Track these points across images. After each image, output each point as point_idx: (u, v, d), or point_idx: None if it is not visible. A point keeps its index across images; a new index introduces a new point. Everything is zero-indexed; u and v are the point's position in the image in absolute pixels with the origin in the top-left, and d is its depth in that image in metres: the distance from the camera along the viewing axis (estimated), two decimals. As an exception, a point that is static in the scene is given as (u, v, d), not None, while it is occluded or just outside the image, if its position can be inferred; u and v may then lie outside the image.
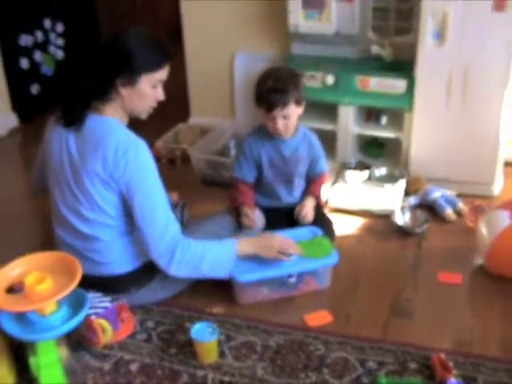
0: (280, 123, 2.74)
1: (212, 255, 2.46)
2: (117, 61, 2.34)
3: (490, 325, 2.48)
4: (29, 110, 4.83)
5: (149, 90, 2.41)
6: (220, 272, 2.50)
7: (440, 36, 3.15)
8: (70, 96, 2.42)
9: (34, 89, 4.90)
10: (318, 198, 3.02)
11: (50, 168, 2.51)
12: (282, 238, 2.62)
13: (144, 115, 2.51)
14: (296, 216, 2.90)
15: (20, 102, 4.81)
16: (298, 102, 2.74)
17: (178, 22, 4.24)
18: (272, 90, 2.69)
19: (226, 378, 2.23)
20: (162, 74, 2.43)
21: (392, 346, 2.34)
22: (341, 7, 3.56)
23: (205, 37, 4.14)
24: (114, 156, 2.31)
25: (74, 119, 2.39)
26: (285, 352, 2.34)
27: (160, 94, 2.47)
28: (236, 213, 2.84)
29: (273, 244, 2.58)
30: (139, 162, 2.34)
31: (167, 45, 2.47)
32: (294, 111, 2.75)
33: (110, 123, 2.40)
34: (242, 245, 2.54)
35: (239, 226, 2.82)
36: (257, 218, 2.85)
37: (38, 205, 3.55)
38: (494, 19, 3.05)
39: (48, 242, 2.84)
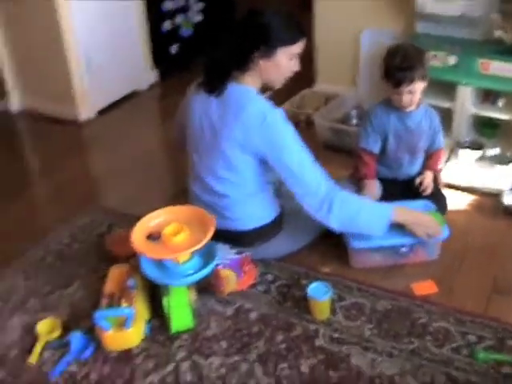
0: (406, 98, 2.74)
1: (368, 212, 2.49)
2: (256, 35, 2.37)
3: None
4: (167, 68, 5.00)
5: (285, 61, 2.43)
6: (374, 230, 2.52)
7: None
8: (211, 66, 2.48)
9: (173, 49, 5.06)
10: (436, 171, 3.00)
11: (190, 130, 2.59)
12: (435, 221, 2.61)
13: (279, 85, 2.54)
14: (416, 186, 2.90)
15: (160, 60, 4.97)
16: (422, 78, 2.72)
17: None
18: (399, 67, 2.68)
19: (336, 335, 2.30)
20: (298, 47, 2.44)
21: (492, 323, 2.32)
22: (468, -10, 3.44)
23: (335, 11, 4.10)
24: (254, 123, 2.37)
25: (215, 87, 2.45)
26: (391, 317, 2.37)
27: (296, 65, 2.49)
28: (358, 183, 2.86)
29: (427, 225, 2.58)
30: (279, 128, 2.39)
31: (300, 21, 2.48)
32: (420, 86, 2.74)
33: (249, 92, 2.45)
34: (398, 212, 2.55)
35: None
36: (375, 189, 2.86)
37: (173, 157, 3.68)
38: None
39: (178, 195, 2.96)
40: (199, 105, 2.52)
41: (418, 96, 2.76)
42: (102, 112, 4.45)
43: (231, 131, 2.40)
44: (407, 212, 2.59)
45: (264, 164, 2.50)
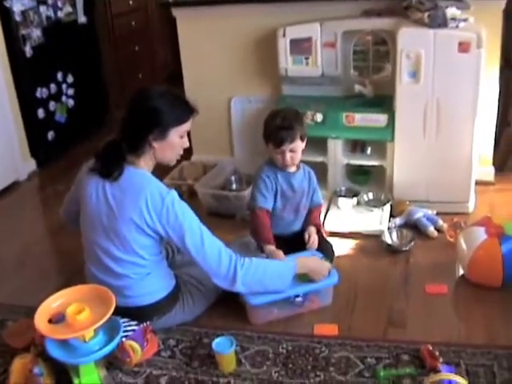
0: (288, 157, 2.96)
1: (273, 271, 2.70)
2: (148, 120, 2.55)
3: (473, 327, 2.71)
4: (45, 156, 5.10)
5: (177, 140, 2.63)
6: (281, 286, 2.72)
7: (415, 75, 3.42)
8: (107, 152, 2.62)
9: (50, 135, 5.13)
10: (318, 225, 3.22)
11: (86, 212, 2.68)
12: (325, 264, 2.87)
13: (174, 162, 2.75)
14: (306, 243, 3.08)
15: (37, 148, 5.05)
16: (302, 138, 2.98)
17: (172, 67, 4.36)
18: (280, 127, 2.92)
19: (247, 383, 2.46)
20: (188, 125, 2.65)
21: (385, 343, 2.60)
22: (325, 52, 3.83)
23: (203, 83, 4.33)
24: (154, 206, 2.51)
25: (112, 172, 2.56)
26: (294, 356, 2.57)
27: (186, 142, 2.70)
28: (258, 245, 3.06)
29: (325, 269, 2.84)
30: (177, 207, 2.54)
31: (187, 98, 2.70)
32: (300, 145, 2.98)
33: (145, 176, 2.61)
34: (300, 263, 2.78)
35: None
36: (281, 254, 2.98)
37: (58, 243, 3.78)
38: (460, 59, 3.32)
39: (71, 279, 3.04)
40: (94, 187, 2.61)
41: (299, 155, 3.01)
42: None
43: (129, 214, 2.53)
44: (306, 261, 2.84)
45: (162, 241, 2.67)
